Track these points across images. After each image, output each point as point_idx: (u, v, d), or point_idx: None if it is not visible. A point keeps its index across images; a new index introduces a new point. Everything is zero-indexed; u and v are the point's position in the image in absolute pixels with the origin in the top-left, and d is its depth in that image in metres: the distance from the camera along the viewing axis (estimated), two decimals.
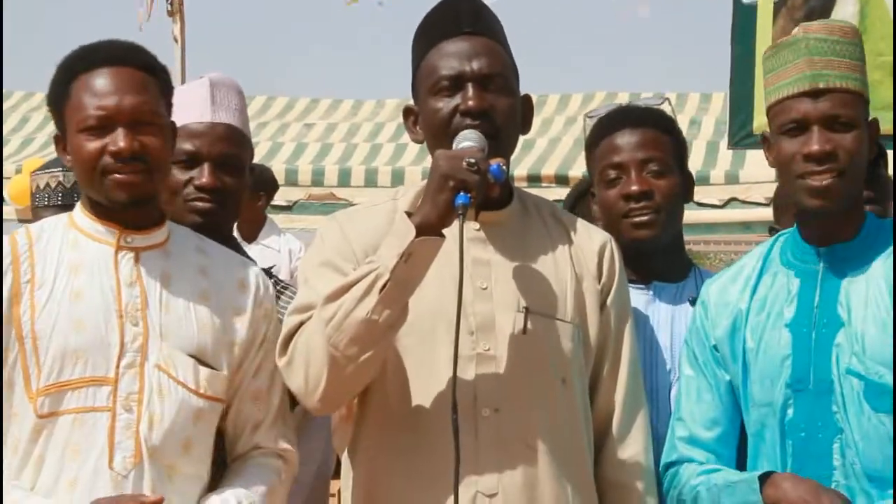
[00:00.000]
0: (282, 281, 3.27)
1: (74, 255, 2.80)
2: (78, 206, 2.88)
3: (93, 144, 2.75)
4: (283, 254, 7.78)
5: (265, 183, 7.80)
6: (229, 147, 3.13)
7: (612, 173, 3.20)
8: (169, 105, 2.86)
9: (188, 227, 3.09)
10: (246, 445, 2.91)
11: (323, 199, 10.40)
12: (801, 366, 2.83)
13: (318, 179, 10.79)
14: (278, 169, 10.18)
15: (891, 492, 2.74)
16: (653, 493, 2.94)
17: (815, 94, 2.80)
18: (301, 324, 2.78)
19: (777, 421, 2.84)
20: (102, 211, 2.81)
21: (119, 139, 2.73)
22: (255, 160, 10.14)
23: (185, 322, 2.81)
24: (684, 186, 3.27)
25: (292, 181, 10.59)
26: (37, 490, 2.70)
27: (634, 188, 3.17)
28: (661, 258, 3.25)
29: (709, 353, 2.98)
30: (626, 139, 3.22)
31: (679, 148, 3.30)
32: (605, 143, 3.24)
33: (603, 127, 3.29)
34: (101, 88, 2.76)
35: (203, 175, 3.10)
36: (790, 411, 2.83)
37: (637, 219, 3.18)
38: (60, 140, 2.84)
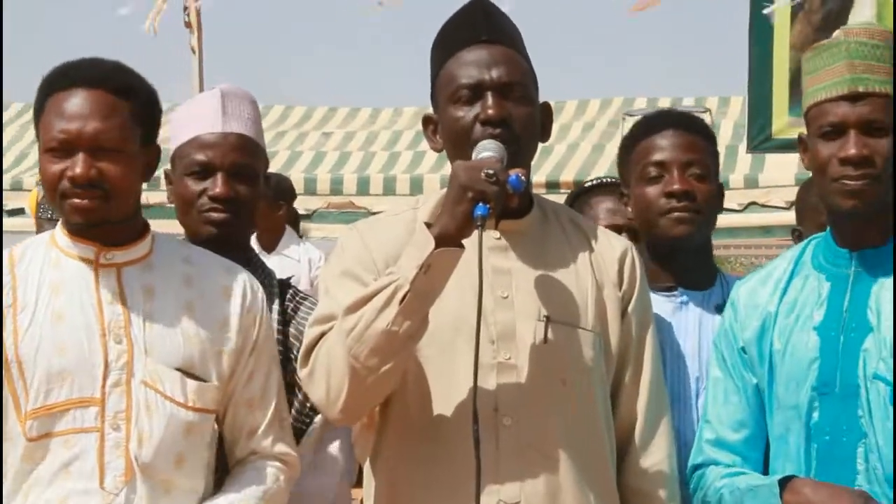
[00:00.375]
0: (301, 291, 3.27)
1: (55, 275, 2.78)
2: (59, 223, 2.86)
3: (54, 167, 2.73)
4: (302, 263, 7.78)
5: (285, 192, 7.82)
6: (242, 157, 3.12)
7: (654, 171, 3.21)
8: (149, 129, 2.82)
9: (203, 238, 3.09)
10: (243, 451, 2.90)
11: (342, 208, 10.42)
12: (829, 369, 2.81)
13: (336, 188, 10.81)
14: (297, 178, 10.19)
15: None
16: (676, 500, 2.93)
17: (853, 97, 2.79)
18: (322, 335, 2.78)
19: (802, 424, 2.83)
20: (79, 229, 2.79)
21: (77, 165, 2.71)
22: (274, 170, 10.16)
23: (170, 336, 2.78)
24: (719, 195, 3.29)
25: (311, 190, 10.61)
26: None
27: (677, 187, 3.18)
28: (691, 260, 3.25)
29: (737, 356, 2.96)
30: (670, 140, 3.24)
31: (716, 158, 3.33)
32: (647, 141, 3.25)
33: (646, 126, 3.31)
34: (68, 111, 2.73)
35: (216, 185, 3.09)
36: (815, 415, 2.82)
37: (678, 215, 3.19)
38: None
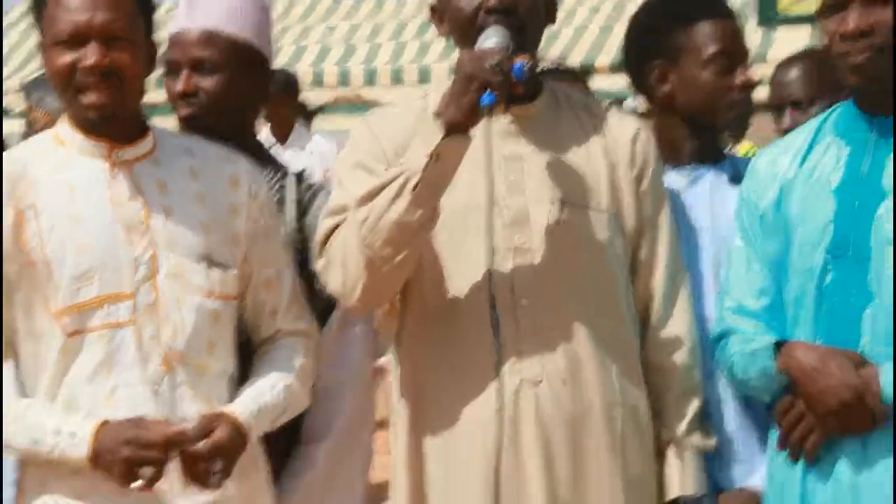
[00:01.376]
0: (314, 183, 3.28)
1: (69, 176, 2.79)
2: (65, 121, 2.85)
3: (65, 58, 2.73)
4: (314, 155, 7.81)
5: (290, 86, 7.81)
6: (201, 50, 3.08)
7: (722, 61, 3.18)
8: (149, 22, 2.82)
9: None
10: (268, 331, 2.95)
11: (350, 102, 10.39)
12: (843, 232, 2.81)
13: (344, 80, 10.77)
14: (304, 72, 10.17)
15: None
16: (697, 370, 2.96)
17: None
18: (336, 226, 2.81)
19: (815, 286, 2.83)
20: (89, 125, 2.80)
21: (90, 54, 2.71)
22: (281, 65, 10.11)
23: (189, 227, 2.81)
24: None
25: (318, 83, 10.57)
26: (76, 407, 2.73)
27: (740, 80, 3.18)
28: (711, 139, 3.27)
29: (757, 224, 2.96)
30: (727, 29, 3.22)
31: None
32: (703, 24, 3.21)
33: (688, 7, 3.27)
34: (73, 2, 2.73)
35: (178, 83, 3.09)
36: (828, 277, 2.81)
37: (737, 110, 3.22)
38: (41, 49, 2.82)
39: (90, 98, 2.73)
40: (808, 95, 3.82)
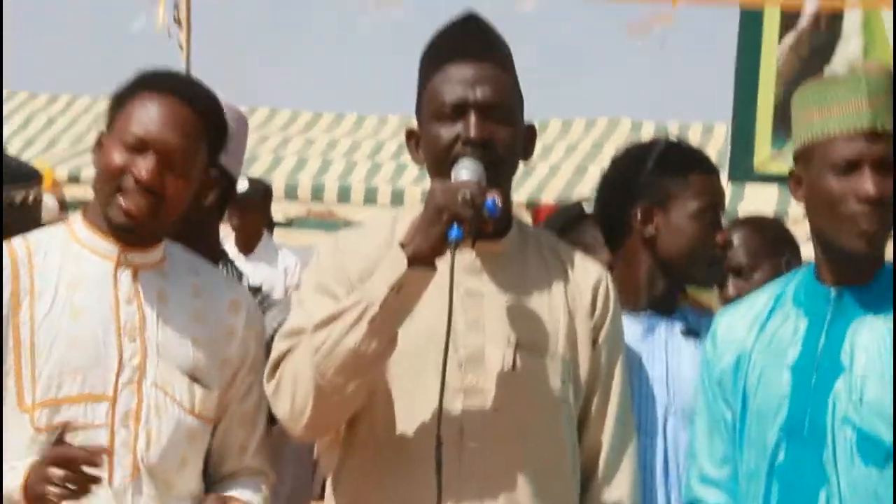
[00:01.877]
0: (269, 298, 3.26)
1: (75, 269, 2.81)
2: (79, 217, 2.88)
3: (121, 158, 2.77)
4: (279, 270, 7.78)
5: (269, 195, 7.84)
6: None
7: (709, 217, 3.24)
8: (214, 154, 2.88)
9: None
10: (234, 466, 2.94)
11: (322, 217, 10.40)
12: (798, 410, 2.78)
13: (318, 195, 10.79)
14: (279, 183, 10.17)
15: None
16: None
17: (872, 134, 2.72)
18: (290, 349, 2.77)
19: (767, 463, 2.80)
20: (108, 225, 2.82)
21: (147, 167, 2.75)
22: (257, 174, 10.15)
23: (181, 341, 2.82)
24: None
25: (292, 196, 10.60)
26: None
27: (721, 238, 3.24)
28: (672, 288, 3.29)
29: (717, 388, 2.93)
30: (715, 181, 3.33)
31: None
32: (697, 176, 3.27)
33: (702, 164, 3.33)
34: (154, 114, 2.78)
35: None
36: (781, 455, 2.78)
37: (718, 265, 3.31)
38: (100, 139, 2.86)
39: (125, 203, 2.76)
40: (750, 263, 3.83)
